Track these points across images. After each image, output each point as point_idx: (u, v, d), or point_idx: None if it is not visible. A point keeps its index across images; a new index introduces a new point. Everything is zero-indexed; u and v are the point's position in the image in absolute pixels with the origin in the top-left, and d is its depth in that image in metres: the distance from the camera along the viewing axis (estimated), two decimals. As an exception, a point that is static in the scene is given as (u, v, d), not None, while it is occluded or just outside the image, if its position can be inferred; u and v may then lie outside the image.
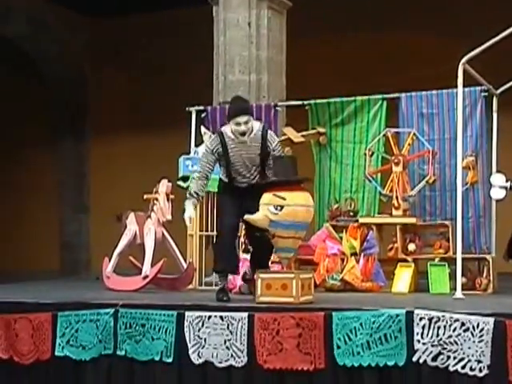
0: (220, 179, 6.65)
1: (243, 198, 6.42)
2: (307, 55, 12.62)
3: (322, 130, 8.72)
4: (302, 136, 8.68)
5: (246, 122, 6.37)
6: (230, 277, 7.61)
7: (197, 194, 6.59)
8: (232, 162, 6.44)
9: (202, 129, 8.81)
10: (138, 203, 8.11)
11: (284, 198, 5.96)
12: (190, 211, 6.59)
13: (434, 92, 8.26)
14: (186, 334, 5.55)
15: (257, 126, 6.50)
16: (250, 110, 6.61)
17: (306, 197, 6.10)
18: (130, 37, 14.49)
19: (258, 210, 6.21)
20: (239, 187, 6.51)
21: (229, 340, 5.44)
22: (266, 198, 6.07)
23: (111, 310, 5.78)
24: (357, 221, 8.06)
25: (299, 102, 8.92)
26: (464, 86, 7.13)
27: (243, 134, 6.38)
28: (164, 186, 7.84)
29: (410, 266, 7.78)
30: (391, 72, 11.81)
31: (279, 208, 5.96)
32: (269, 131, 6.58)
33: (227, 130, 6.50)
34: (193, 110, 9.26)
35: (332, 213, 8.35)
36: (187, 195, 6.66)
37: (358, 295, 6.73)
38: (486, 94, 8.03)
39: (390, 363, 5.07)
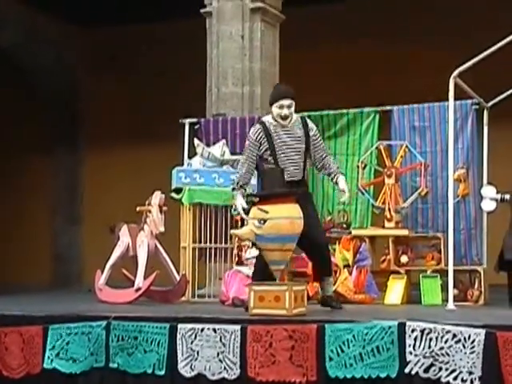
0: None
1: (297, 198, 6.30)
2: (300, 68, 12.66)
3: (314, 142, 8.74)
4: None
5: (289, 106, 6.43)
6: (223, 288, 7.64)
7: (242, 186, 6.50)
8: (279, 147, 6.39)
9: (196, 141, 8.83)
10: (132, 215, 8.12)
11: (267, 212, 5.99)
12: (241, 201, 6.44)
13: (426, 105, 8.33)
14: (179, 347, 5.55)
15: (295, 115, 6.55)
16: (294, 95, 6.53)
17: (290, 209, 6.11)
18: (125, 47, 14.50)
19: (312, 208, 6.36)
20: (291, 181, 6.39)
21: (222, 352, 5.45)
22: (252, 211, 6.11)
23: (103, 323, 5.77)
24: (350, 233, 8.10)
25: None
26: (455, 99, 7.18)
27: (285, 117, 6.40)
28: (157, 197, 7.84)
29: (403, 278, 7.81)
30: (385, 84, 11.86)
31: (262, 222, 5.98)
32: (308, 120, 6.64)
33: (267, 118, 6.55)
34: (186, 121, 9.29)
35: (325, 225, 8.37)
36: (233, 188, 6.56)
37: (350, 307, 6.74)
38: (477, 107, 8.10)
39: (383, 375, 5.08)
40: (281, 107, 6.42)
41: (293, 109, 6.47)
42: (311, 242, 6.43)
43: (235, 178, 6.70)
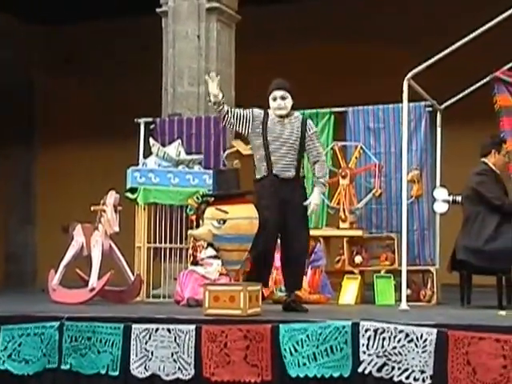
0: (258, 179, 6.45)
1: (285, 193, 6.28)
2: (256, 69, 12.67)
3: (270, 142, 8.75)
4: (251, 149, 8.71)
5: (283, 98, 6.40)
6: (178, 288, 7.61)
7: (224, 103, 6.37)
8: (272, 139, 6.33)
9: (151, 140, 8.79)
10: (87, 215, 8.06)
11: (226, 212, 5.99)
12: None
13: (381, 106, 8.41)
14: (133, 347, 5.51)
15: (297, 113, 6.54)
16: (289, 88, 6.50)
17: (248, 209, 6.12)
18: (81, 46, 14.39)
19: (302, 204, 6.28)
20: (280, 178, 6.33)
21: (176, 353, 5.42)
22: (209, 212, 6.10)
23: (56, 323, 5.71)
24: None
25: (248, 115, 8.95)
26: (410, 101, 7.25)
27: (280, 109, 6.38)
28: (112, 197, 7.79)
29: (357, 278, 7.86)
30: (342, 85, 11.93)
31: (222, 222, 5.97)
32: (308, 120, 6.59)
33: (269, 110, 6.50)
34: (141, 121, 9.25)
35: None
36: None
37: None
38: (431, 109, 8.19)
39: (336, 374, 5.10)
40: (274, 99, 6.42)
41: (288, 101, 6.42)
42: (286, 252, 6.43)
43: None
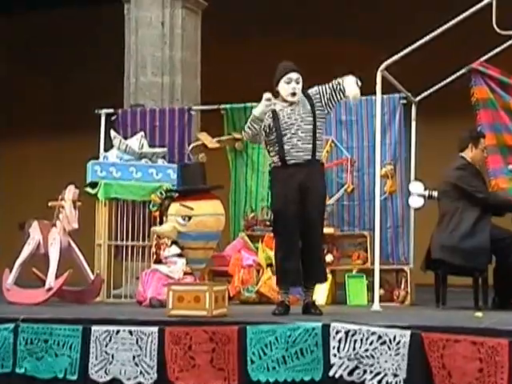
0: (272, 168, 6.31)
1: (301, 179, 6.13)
2: (224, 57, 12.66)
3: (238, 135, 8.75)
4: (217, 142, 8.71)
5: (298, 82, 6.25)
6: (140, 288, 7.58)
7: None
8: (284, 129, 6.18)
9: (112, 133, 8.74)
10: (44, 211, 7.99)
11: (191, 208, 5.98)
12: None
13: (353, 99, 8.39)
14: (92, 350, 5.48)
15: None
16: (300, 71, 6.34)
17: (215, 205, 6.13)
18: (40, 34, 14.26)
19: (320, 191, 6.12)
20: (294, 164, 6.16)
21: (138, 356, 5.40)
22: (173, 208, 6.08)
23: (11, 325, 5.66)
24: (273, 230, 8.12)
25: (214, 106, 8.95)
26: (383, 93, 7.28)
27: (294, 94, 6.22)
28: (70, 192, 7.73)
29: (328, 278, 7.87)
30: (313, 76, 11.94)
31: (187, 219, 5.97)
32: (309, 90, 6.36)
33: (275, 100, 6.30)
34: (102, 112, 9.18)
35: (248, 222, 8.39)
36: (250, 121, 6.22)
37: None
38: (405, 101, 8.22)
39: (307, 378, 5.11)
40: (288, 82, 6.23)
41: (301, 85, 6.26)
42: (303, 241, 6.24)
43: (246, 129, 6.29)
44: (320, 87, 6.33)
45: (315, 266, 6.32)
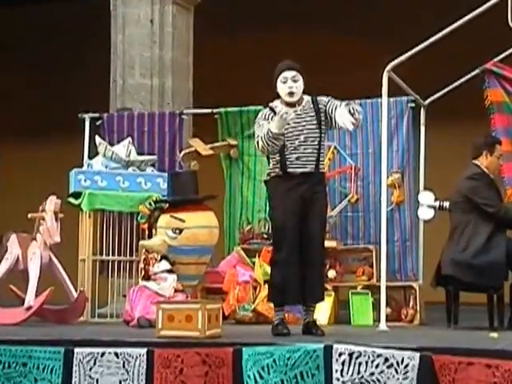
0: (271, 178, 6.32)
1: (303, 191, 6.16)
2: (218, 57, 12.69)
3: (233, 142, 8.78)
4: (211, 148, 8.72)
5: (295, 80, 6.22)
6: (127, 307, 7.57)
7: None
8: (290, 138, 6.16)
9: (97, 139, 8.75)
10: (23, 223, 7.99)
11: (183, 220, 5.99)
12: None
13: (357, 101, 8.38)
14: (75, 374, 5.46)
15: (307, 96, 6.33)
16: (300, 70, 6.32)
17: (208, 217, 6.13)
18: (17, 33, 14.27)
19: (321, 205, 6.09)
20: (296, 174, 6.18)
21: (125, 380, 5.39)
22: (163, 220, 6.08)
23: (-13, 348, 5.66)
24: (271, 244, 8.12)
25: (208, 111, 8.96)
26: (389, 96, 7.29)
27: (291, 94, 6.20)
28: (52, 203, 7.74)
29: (330, 295, 7.88)
30: (312, 75, 11.97)
31: (178, 231, 5.97)
32: (318, 97, 6.34)
33: (275, 103, 6.34)
34: (86, 116, 9.19)
35: (244, 235, 8.39)
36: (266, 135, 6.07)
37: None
38: (414, 104, 8.23)
39: (307, 404, 5.11)
40: (284, 81, 6.22)
41: (300, 85, 6.24)
42: (303, 256, 6.24)
43: (258, 138, 6.13)
44: (330, 101, 6.30)
45: (315, 283, 6.31)
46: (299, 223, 6.18)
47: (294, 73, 6.27)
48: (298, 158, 6.20)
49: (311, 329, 6.27)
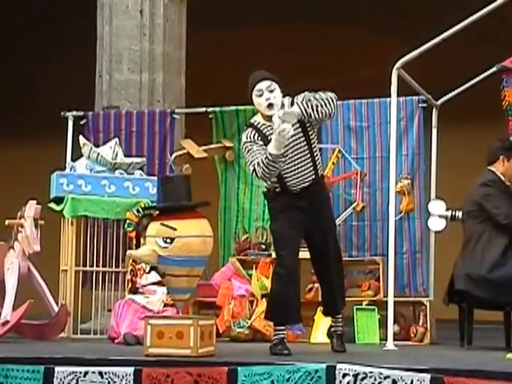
0: (271, 191, 6.34)
1: (305, 201, 6.22)
2: (213, 52, 12.70)
3: (228, 143, 8.79)
4: (205, 151, 8.73)
5: (271, 90, 6.17)
6: (113, 322, 7.57)
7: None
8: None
9: (81, 139, 8.75)
10: (2, 230, 8.01)
11: (174, 229, 5.99)
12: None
13: (364, 101, 8.43)
14: (56, 395, 5.48)
15: (287, 101, 6.25)
16: (275, 78, 6.27)
17: (201, 225, 6.15)
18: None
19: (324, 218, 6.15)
20: (295, 192, 6.24)
21: (109, 401, 5.40)
22: (153, 228, 6.09)
23: (-40, 366, 5.66)
24: (270, 255, 8.13)
25: (202, 109, 8.97)
26: (399, 95, 7.30)
27: (270, 105, 6.14)
28: (31, 209, 7.75)
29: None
30: (317, 73, 12.01)
31: (169, 241, 5.97)
32: (295, 97, 6.25)
33: (255, 118, 6.34)
34: (69, 115, 9.19)
35: (240, 245, 8.40)
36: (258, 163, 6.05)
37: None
38: (425, 104, 8.24)
39: (308, 429, 5.12)
40: (260, 94, 6.19)
41: (277, 94, 6.19)
42: (319, 267, 6.38)
43: (255, 165, 6.08)
44: (301, 97, 6.23)
45: (335, 296, 6.51)
46: (303, 235, 6.27)
47: (268, 82, 6.24)
48: (295, 176, 6.26)
49: (333, 339, 6.48)
